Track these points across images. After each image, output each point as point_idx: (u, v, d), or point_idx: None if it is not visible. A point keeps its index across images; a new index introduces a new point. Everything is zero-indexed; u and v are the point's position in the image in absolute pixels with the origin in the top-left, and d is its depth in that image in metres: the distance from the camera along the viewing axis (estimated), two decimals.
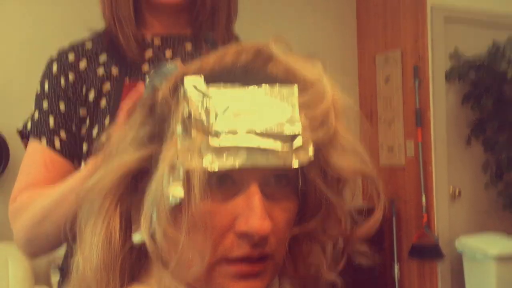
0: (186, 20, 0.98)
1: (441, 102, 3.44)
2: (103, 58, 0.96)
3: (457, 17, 3.51)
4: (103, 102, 0.93)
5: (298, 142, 0.52)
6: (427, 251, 3.34)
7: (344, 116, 0.55)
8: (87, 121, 0.94)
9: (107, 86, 0.94)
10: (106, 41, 0.96)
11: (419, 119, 3.42)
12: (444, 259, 3.33)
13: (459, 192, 3.51)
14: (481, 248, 3.10)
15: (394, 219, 3.54)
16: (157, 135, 0.55)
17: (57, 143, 0.92)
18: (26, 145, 0.96)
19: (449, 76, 3.46)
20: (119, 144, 0.56)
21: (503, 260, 3.03)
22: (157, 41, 0.97)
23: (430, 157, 3.41)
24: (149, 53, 0.96)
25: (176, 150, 0.51)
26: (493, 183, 3.55)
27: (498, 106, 3.40)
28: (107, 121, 0.91)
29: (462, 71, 3.44)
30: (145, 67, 0.94)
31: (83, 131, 0.94)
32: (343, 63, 3.87)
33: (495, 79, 3.31)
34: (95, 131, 0.92)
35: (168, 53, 0.96)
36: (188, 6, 0.95)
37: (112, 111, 0.90)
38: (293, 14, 3.66)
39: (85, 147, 0.93)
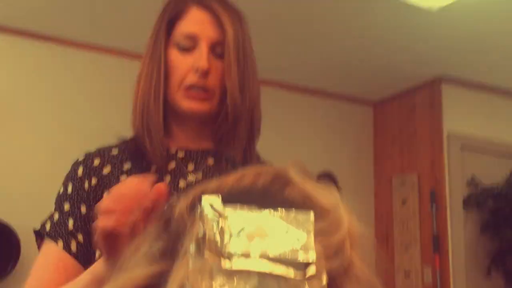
0: (209, 133, 1.01)
1: (459, 229, 3.37)
2: (127, 165, 0.97)
3: (474, 145, 3.56)
4: None
5: (311, 270, 0.51)
6: None
7: (360, 245, 0.54)
8: None
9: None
10: (132, 149, 0.99)
11: (437, 245, 3.33)
12: None
13: None
14: None
15: None
16: (169, 252, 0.54)
17: (73, 247, 0.92)
18: (39, 246, 0.95)
19: (467, 203, 3.42)
20: (130, 257, 0.55)
21: None
22: (181, 154, 1.00)
23: (448, 286, 3.26)
24: (172, 165, 0.98)
25: (187, 270, 0.50)
26: None
27: None
28: None
29: (480, 199, 3.41)
30: (167, 178, 0.96)
31: None
32: (360, 184, 3.89)
33: None
34: None
35: (190, 166, 0.99)
36: (211, 119, 0.98)
37: None
38: (311, 135, 3.77)
39: (97, 254, 0.92)
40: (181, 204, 0.57)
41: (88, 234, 0.93)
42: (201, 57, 0.93)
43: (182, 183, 0.97)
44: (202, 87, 0.94)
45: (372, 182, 3.98)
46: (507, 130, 3.71)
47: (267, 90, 3.62)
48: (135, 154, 0.98)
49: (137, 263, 0.54)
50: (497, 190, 3.39)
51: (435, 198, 3.43)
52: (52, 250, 0.92)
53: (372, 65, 3.41)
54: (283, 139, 3.59)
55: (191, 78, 0.94)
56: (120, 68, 3.16)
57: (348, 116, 3.98)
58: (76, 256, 0.91)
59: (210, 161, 1.00)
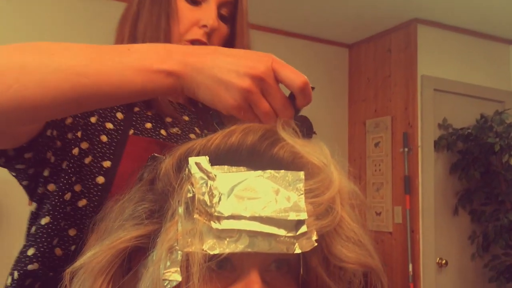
0: None
1: (430, 171, 3.46)
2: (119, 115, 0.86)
3: (447, 88, 3.60)
4: (104, 138, 0.82)
5: (302, 229, 0.51)
6: None
7: (350, 203, 0.54)
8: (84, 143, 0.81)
9: (109, 125, 0.83)
10: None
11: (408, 186, 3.43)
12: None
13: (446, 262, 3.47)
14: None
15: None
16: (156, 212, 0.53)
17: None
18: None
19: (438, 145, 3.50)
20: (115, 219, 0.54)
21: None
22: (192, 108, 0.97)
23: (417, 225, 3.39)
24: (186, 119, 0.93)
25: (176, 232, 0.49)
26: (479, 254, 3.53)
27: (486, 177, 3.43)
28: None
29: (450, 141, 3.49)
30: (148, 125, 0.87)
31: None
32: (334, 128, 3.92)
33: (483, 151, 3.35)
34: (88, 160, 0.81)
35: (168, 119, 0.92)
36: None
37: (113, 152, 0.81)
38: None
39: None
40: (167, 164, 0.55)
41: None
42: (210, 14, 0.89)
43: (163, 132, 0.91)
44: (205, 44, 0.90)
45: (346, 125, 4.02)
46: (479, 73, 3.76)
47: None
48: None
49: (123, 225, 0.53)
50: (467, 132, 3.47)
51: (408, 140, 3.49)
52: None
53: (348, 6, 3.35)
54: None
55: (196, 32, 0.89)
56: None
57: (323, 59, 3.94)
58: None
59: (186, 117, 0.95)
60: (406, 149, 3.47)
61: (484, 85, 3.75)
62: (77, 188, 0.78)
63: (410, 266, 3.35)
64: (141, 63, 0.58)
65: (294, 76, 0.59)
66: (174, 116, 0.90)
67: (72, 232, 0.77)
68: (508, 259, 3.40)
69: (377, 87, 3.80)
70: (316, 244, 0.51)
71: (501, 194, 3.37)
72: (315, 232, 0.52)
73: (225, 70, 0.57)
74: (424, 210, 3.40)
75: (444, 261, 3.46)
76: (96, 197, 0.78)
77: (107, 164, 0.79)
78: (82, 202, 0.78)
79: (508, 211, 3.32)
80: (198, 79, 0.58)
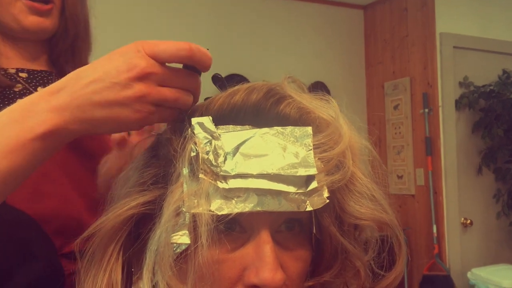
0: (43, 53, 0.91)
1: (451, 131, 3.40)
2: None
3: (467, 45, 3.49)
4: None
5: (312, 185, 0.49)
6: (439, 283, 3.26)
7: (361, 159, 0.52)
8: None
9: None
10: None
11: (429, 147, 3.38)
12: None
13: (471, 222, 3.44)
14: (494, 280, 3.02)
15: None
16: (161, 177, 0.52)
17: None
18: None
19: (459, 104, 3.43)
20: (121, 188, 0.53)
21: None
22: (23, 75, 0.89)
23: (440, 187, 3.35)
24: (18, 87, 0.87)
25: (181, 194, 0.48)
26: (505, 213, 3.48)
27: (509, 134, 3.35)
28: None
29: (472, 99, 3.41)
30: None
31: None
32: (352, 91, 3.86)
33: (506, 107, 3.27)
34: None
35: (40, 89, 0.88)
36: (48, 37, 0.89)
37: None
38: (301, 43, 3.67)
39: None
40: (167, 128, 0.54)
41: None
42: None
43: None
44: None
45: (364, 89, 3.95)
46: (499, 28, 3.63)
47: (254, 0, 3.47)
48: None
49: (129, 193, 0.52)
50: (489, 89, 3.38)
51: (428, 100, 3.42)
52: None
53: None
54: (271, 48, 3.50)
55: None
56: None
57: (338, 22, 3.86)
58: None
59: (19, 86, 0.88)
60: (426, 110, 3.41)
61: (505, 39, 3.63)
62: None
63: (435, 227, 3.33)
64: (5, 141, 0.47)
65: (175, 49, 0.49)
66: (6, 85, 0.84)
67: None
68: None
69: (394, 49, 3.71)
70: (327, 201, 0.50)
71: None
72: (326, 189, 0.50)
73: (105, 89, 0.48)
74: (446, 171, 3.35)
75: (469, 221, 3.43)
76: None
77: None
78: None
79: None
80: (83, 118, 0.48)
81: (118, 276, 0.51)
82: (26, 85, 0.87)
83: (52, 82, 0.80)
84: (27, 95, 0.73)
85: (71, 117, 0.48)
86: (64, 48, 0.91)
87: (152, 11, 3.13)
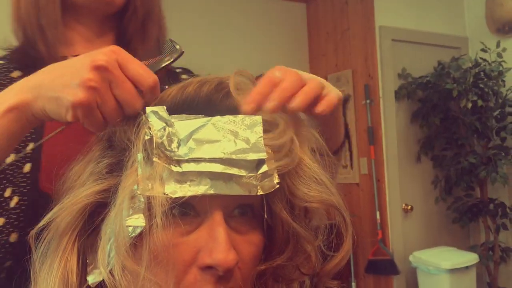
0: (112, 35, 0.86)
1: (392, 121, 3.53)
2: (16, 74, 0.79)
3: (404, 38, 3.63)
4: None
5: (263, 168, 0.52)
6: (383, 267, 3.39)
7: (309, 146, 0.55)
8: None
9: None
10: (21, 57, 0.81)
11: (372, 137, 3.50)
12: (399, 274, 3.39)
13: (411, 208, 3.60)
14: (434, 262, 3.18)
15: None
16: (116, 166, 0.53)
17: None
18: None
19: (398, 95, 3.57)
20: (76, 179, 0.53)
21: (455, 272, 3.11)
22: None
23: (383, 174, 3.48)
24: None
25: (136, 178, 0.49)
26: (442, 198, 3.66)
27: (445, 123, 3.53)
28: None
29: (410, 90, 3.56)
30: None
31: None
32: None
33: (441, 97, 3.43)
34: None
35: None
36: (115, 16, 0.84)
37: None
38: (245, 36, 3.69)
39: None
40: (121, 119, 0.55)
41: None
42: None
43: None
44: None
45: None
46: (435, 21, 3.80)
47: None
48: (24, 63, 0.79)
49: (84, 183, 0.52)
50: (426, 80, 3.53)
51: (369, 92, 3.54)
52: None
53: None
54: (217, 40, 3.50)
55: None
56: None
57: (281, 16, 3.91)
58: None
59: None
60: (368, 101, 3.53)
61: (440, 32, 3.80)
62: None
63: (378, 214, 3.46)
64: None
65: (144, 72, 0.53)
66: None
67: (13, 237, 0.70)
68: (469, 199, 3.55)
69: (337, 41, 3.81)
70: (278, 185, 0.52)
71: (461, 138, 3.47)
72: (277, 175, 0.52)
73: (69, 74, 0.52)
74: (388, 159, 3.48)
75: (409, 207, 3.59)
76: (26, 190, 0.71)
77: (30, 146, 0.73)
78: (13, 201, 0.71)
79: (468, 154, 3.44)
80: (41, 94, 0.54)
81: (73, 265, 0.51)
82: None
83: None
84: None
85: (33, 96, 0.54)
86: (135, 29, 0.84)
87: None
